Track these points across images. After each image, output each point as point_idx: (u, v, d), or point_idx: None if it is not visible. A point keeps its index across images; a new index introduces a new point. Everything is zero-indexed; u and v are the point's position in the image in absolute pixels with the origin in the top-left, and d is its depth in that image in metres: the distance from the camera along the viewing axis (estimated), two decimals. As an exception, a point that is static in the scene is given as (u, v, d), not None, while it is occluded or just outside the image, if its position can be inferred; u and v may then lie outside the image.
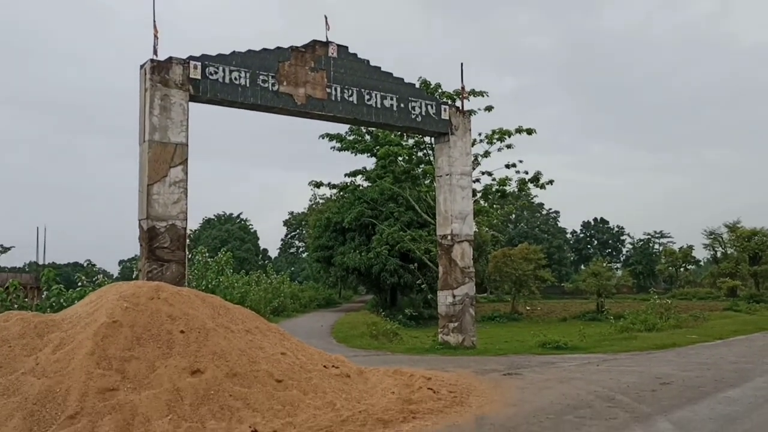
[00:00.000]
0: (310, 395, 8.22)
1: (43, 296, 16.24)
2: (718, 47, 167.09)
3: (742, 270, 53.25)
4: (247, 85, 15.78)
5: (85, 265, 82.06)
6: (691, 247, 72.37)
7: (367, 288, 58.38)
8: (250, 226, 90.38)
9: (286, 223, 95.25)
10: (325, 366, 9.45)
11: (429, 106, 18.86)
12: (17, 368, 7.26)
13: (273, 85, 16.12)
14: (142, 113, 14.63)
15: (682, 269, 76.81)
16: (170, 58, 14.77)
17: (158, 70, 14.53)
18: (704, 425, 7.41)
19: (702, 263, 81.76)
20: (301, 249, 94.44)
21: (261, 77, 15.97)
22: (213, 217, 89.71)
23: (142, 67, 14.84)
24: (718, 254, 61.64)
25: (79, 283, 17.13)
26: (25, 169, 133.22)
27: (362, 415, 7.78)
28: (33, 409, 6.63)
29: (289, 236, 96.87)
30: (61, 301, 14.95)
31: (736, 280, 53.19)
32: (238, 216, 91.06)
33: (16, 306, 13.69)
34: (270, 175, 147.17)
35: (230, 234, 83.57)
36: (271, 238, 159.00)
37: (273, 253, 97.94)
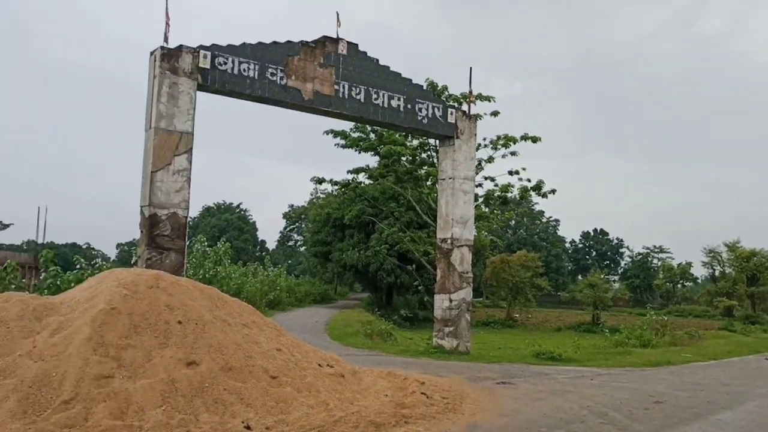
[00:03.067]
0: (303, 393, 8.22)
1: (41, 277, 16.24)
2: (727, 65, 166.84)
3: (740, 290, 53.26)
4: (256, 77, 15.74)
5: (83, 246, 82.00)
6: (689, 264, 72.56)
7: (363, 286, 58.42)
8: (249, 217, 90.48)
9: (285, 215, 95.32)
10: (319, 364, 9.45)
11: (436, 109, 18.84)
12: (14, 350, 7.26)
13: (281, 78, 16.08)
14: (149, 100, 14.59)
15: (679, 285, 77.01)
16: (180, 47, 14.72)
17: (168, 58, 14.49)
18: (696, 447, 7.43)
19: (700, 281, 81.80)
20: (299, 242, 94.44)
21: (270, 70, 15.94)
22: (212, 205, 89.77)
23: (152, 54, 14.79)
24: (717, 273, 61.65)
25: (78, 266, 17.12)
26: (26, 147, 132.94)
27: (355, 417, 7.79)
28: (28, 392, 6.63)
29: (287, 229, 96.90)
30: (58, 282, 14.97)
31: (732, 300, 53.18)
32: (238, 206, 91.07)
33: (13, 286, 13.69)
34: (271, 167, 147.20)
35: (229, 223, 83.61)
36: (269, 229, 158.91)
37: (271, 245, 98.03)
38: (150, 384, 7.11)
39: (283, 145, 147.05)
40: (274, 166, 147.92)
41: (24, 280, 15.13)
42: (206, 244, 26.90)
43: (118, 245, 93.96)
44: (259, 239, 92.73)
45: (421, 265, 36.65)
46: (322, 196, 67.90)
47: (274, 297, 37.87)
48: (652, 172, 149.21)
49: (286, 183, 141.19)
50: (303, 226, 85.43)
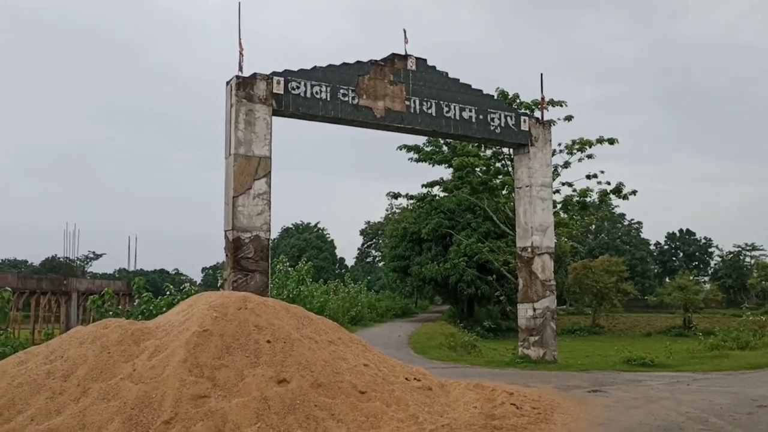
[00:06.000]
0: (392, 407, 8.27)
1: (134, 303, 16.97)
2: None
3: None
4: (328, 98, 16.06)
5: (171, 272, 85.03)
6: (786, 260, 68.96)
7: (443, 298, 58.23)
8: (327, 235, 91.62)
9: (362, 232, 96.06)
10: (406, 378, 9.49)
11: (508, 118, 18.69)
12: (116, 374, 7.61)
13: (353, 98, 16.34)
14: (228, 127, 15.11)
15: (776, 283, 73.11)
16: (254, 74, 15.21)
17: (243, 86, 14.99)
18: (807, 452, 7.06)
19: (799, 277, 77.43)
20: (377, 258, 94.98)
21: (341, 91, 16.23)
22: (291, 226, 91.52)
23: (228, 83, 15.33)
24: (816, 268, 58.35)
25: (167, 291, 17.81)
26: (114, 178, 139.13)
27: (445, 429, 7.77)
28: (131, 414, 6.94)
29: (365, 245, 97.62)
30: (151, 308, 15.62)
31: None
32: (316, 225, 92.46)
33: (110, 313, 14.36)
34: (346, 185, 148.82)
35: (308, 243, 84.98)
36: (347, 247, 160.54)
37: (349, 262, 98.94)
38: (244, 402, 7.32)
39: (357, 163, 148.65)
40: (350, 183, 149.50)
41: (119, 307, 15.86)
42: (287, 264, 27.42)
43: (203, 269, 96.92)
44: (338, 257, 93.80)
45: (501, 275, 36.28)
46: (397, 211, 68.33)
47: (356, 313, 38.26)
48: (736, 168, 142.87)
49: (362, 200, 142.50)
50: (380, 241, 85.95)
